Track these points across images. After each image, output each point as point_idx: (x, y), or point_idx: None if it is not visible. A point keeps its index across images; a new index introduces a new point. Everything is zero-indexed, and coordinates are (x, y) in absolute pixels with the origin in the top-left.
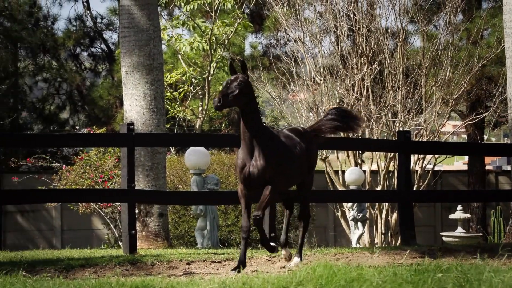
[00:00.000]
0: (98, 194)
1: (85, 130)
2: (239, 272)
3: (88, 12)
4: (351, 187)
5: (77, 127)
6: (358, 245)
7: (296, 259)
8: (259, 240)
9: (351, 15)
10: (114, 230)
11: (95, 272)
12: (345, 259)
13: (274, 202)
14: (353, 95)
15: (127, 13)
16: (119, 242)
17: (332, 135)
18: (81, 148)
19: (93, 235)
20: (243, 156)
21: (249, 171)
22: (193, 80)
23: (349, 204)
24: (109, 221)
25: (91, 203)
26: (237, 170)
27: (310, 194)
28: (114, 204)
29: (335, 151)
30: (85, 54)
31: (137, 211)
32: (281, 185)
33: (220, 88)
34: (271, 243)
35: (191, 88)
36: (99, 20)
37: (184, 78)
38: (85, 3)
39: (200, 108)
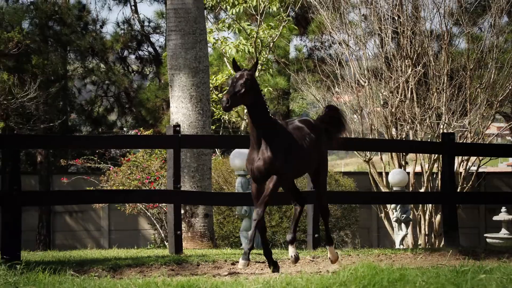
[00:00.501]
0: (145, 194)
1: (132, 132)
2: (278, 271)
3: (136, 15)
4: (394, 188)
5: (124, 129)
6: (401, 246)
7: (328, 247)
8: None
9: (396, 18)
10: (160, 231)
11: (141, 271)
12: (389, 260)
13: (275, 195)
14: (397, 97)
15: (174, 17)
16: (165, 242)
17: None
18: (128, 150)
19: (140, 235)
20: (251, 152)
21: (256, 165)
22: None
23: (393, 206)
24: (155, 222)
25: (138, 204)
26: (247, 168)
27: (325, 184)
28: (160, 205)
29: (379, 152)
30: (133, 57)
31: (182, 211)
32: (288, 177)
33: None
34: (249, 256)
35: None
36: (146, 23)
37: (229, 80)
38: (133, 7)
39: (245, 110)
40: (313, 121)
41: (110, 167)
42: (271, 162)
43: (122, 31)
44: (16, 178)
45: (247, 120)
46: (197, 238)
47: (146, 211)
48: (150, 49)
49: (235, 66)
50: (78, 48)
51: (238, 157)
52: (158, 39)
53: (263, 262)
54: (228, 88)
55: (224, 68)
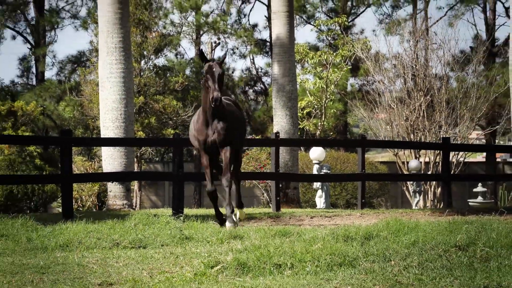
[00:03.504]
0: (257, 175)
1: (249, 137)
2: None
3: (253, 65)
4: (412, 171)
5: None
6: (416, 208)
7: (239, 210)
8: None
9: (414, 66)
10: (267, 197)
11: (255, 222)
12: (408, 216)
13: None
14: (414, 115)
15: (276, 67)
16: (269, 204)
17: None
18: (247, 147)
19: (254, 200)
20: (203, 127)
21: (212, 138)
22: (315, 106)
23: (411, 182)
24: (263, 191)
25: (253, 181)
26: (199, 140)
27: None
28: (266, 181)
29: (402, 149)
30: (251, 91)
31: (280, 185)
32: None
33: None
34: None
35: (313, 110)
36: (259, 70)
37: (309, 104)
38: (251, 60)
39: (319, 123)
40: (233, 99)
41: None
42: (225, 135)
43: (244, 75)
44: (180, 164)
45: (319, 130)
46: (289, 202)
47: (258, 184)
48: (261, 86)
49: (202, 56)
50: None
51: (315, 152)
52: (266, 80)
53: (329, 217)
54: (211, 79)
55: (305, 97)
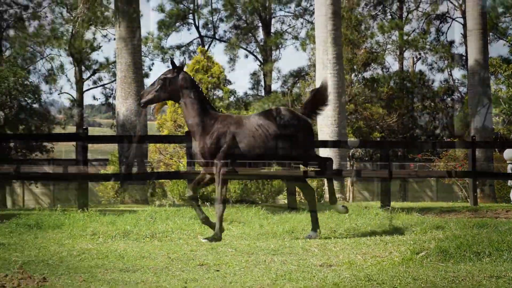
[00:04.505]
0: (456, 173)
1: (448, 139)
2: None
3: (450, 77)
4: None
5: (444, 138)
6: None
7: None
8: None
9: None
10: (465, 193)
11: (455, 214)
12: None
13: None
14: None
15: (471, 78)
16: (467, 199)
17: None
18: (446, 149)
19: (453, 195)
20: (193, 145)
21: (196, 154)
22: (508, 112)
23: None
24: (461, 188)
25: (452, 178)
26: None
27: (311, 157)
28: (464, 179)
29: None
30: (448, 99)
31: (477, 182)
32: (238, 158)
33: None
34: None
35: (506, 116)
36: (456, 81)
37: (503, 111)
38: (449, 72)
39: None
40: (275, 112)
41: (435, 158)
42: (203, 150)
43: (442, 85)
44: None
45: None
46: (485, 197)
47: (456, 181)
48: (458, 95)
49: (172, 65)
50: (418, 95)
51: (508, 153)
52: (462, 89)
53: None
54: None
55: (499, 105)
